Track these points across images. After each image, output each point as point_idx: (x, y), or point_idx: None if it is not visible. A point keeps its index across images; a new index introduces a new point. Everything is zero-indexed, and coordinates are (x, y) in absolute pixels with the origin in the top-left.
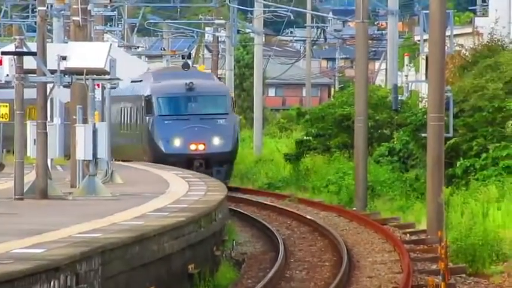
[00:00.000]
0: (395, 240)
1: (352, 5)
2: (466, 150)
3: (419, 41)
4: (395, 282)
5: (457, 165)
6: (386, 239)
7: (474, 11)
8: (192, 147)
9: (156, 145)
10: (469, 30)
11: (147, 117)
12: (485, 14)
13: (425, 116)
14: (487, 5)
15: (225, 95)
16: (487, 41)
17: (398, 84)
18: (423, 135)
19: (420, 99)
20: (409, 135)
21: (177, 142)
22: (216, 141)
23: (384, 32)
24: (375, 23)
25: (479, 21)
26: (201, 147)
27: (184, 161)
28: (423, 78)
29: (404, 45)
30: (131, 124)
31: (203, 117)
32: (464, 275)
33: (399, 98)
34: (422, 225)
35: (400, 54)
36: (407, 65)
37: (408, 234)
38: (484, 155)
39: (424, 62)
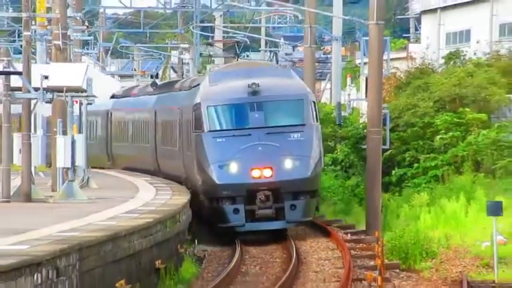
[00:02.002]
0: (338, 239)
1: (301, 32)
2: (400, 161)
3: (360, 63)
4: (337, 277)
5: (393, 173)
6: (330, 238)
7: (408, 38)
8: (255, 173)
9: (205, 172)
10: (403, 55)
11: (195, 134)
12: (417, 40)
13: (365, 130)
14: (419, 33)
15: (301, 98)
16: (419, 65)
17: (342, 102)
18: (363, 147)
19: (361, 115)
20: (351, 147)
21: (233, 168)
22: (289, 164)
23: (329, 55)
24: (321, 48)
25: (412, 47)
26: (267, 173)
27: (244, 194)
28: (363, 96)
29: (347, 68)
30: (184, 143)
31: (271, 130)
32: (398, 270)
33: (342, 114)
34: (362, 226)
35: (343, 76)
36: (349, 85)
37: (349, 234)
38: (415, 165)
39: (364, 82)
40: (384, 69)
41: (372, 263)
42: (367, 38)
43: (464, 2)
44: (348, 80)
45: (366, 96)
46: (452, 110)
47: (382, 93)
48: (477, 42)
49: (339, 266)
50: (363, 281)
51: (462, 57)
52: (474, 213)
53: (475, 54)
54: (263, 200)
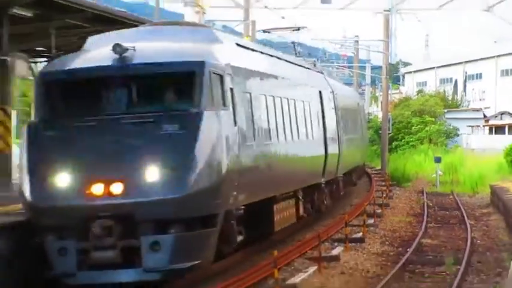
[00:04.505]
0: (368, 173)
1: (351, 81)
2: (396, 138)
3: (378, 95)
4: (367, 190)
5: (393, 144)
6: (365, 172)
7: (399, 84)
8: (96, 190)
9: (22, 187)
10: (397, 91)
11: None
12: (403, 85)
13: (380, 124)
14: (404, 82)
15: (191, 70)
16: (405, 96)
17: (370, 111)
18: (380, 132)
19: (379, 118)
20: (374, 132)
21: (61, 181)
22: (153, 174)
23: (364, 91)
24: (361, 87)
25: (402, 88)
26: (116, 189)
27: (76, 223)
28: (379, 109)
29: (372, 96)
30: None
31: (131, 120)
32: (395, 186)
33: (370, 117)
34: (379, 167)
35: (371, 100)
36: (373, 104)
37: (373, 170)
38: (403, 140)
39: (380, 103)
40: (389, 98)
41: (383, 183)
42: (381, 84)
43: (424, 69)
44: (373, 102)
45: (381, 109)
46: (419, 116)
47: (388, 108)
48: (429, 87)
49: (369, 185)
50: (380, 191)
51: (424, 93)
52: (428, 162)
53: (428, 91)
54: (99, 234)
